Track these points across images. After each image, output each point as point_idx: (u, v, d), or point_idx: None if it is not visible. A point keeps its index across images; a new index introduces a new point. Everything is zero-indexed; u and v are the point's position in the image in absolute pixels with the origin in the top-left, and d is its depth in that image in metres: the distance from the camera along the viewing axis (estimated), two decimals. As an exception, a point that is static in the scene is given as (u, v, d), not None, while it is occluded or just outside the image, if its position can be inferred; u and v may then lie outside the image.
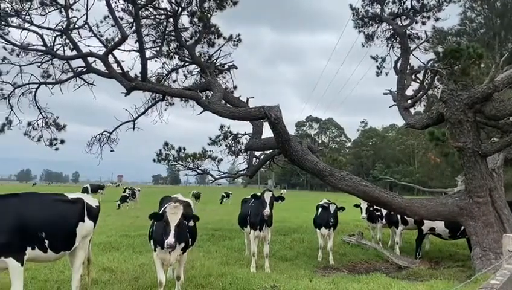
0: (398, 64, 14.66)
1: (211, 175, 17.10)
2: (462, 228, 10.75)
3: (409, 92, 14.57)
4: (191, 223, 7.00)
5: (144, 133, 14.86)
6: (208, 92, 14.02)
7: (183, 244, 6.94)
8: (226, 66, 15.81)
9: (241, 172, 17.89)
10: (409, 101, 14.07)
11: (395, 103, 14.39)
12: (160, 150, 16.04)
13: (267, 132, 12.84)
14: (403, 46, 14.58)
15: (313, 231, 13.47)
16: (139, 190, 36.45)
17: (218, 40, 15.29)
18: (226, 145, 16.88)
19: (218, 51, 15.21)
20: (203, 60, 15.27)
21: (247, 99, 13.67)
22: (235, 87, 16.00)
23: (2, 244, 5.43)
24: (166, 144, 16.11)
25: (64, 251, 6.46)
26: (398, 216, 13.07)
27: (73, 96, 14.06)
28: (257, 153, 16.44)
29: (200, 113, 11.65)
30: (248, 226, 10.72)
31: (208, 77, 13.17)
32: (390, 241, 14.76)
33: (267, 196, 9.83)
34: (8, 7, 10.65)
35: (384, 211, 13.77)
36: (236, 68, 15.74)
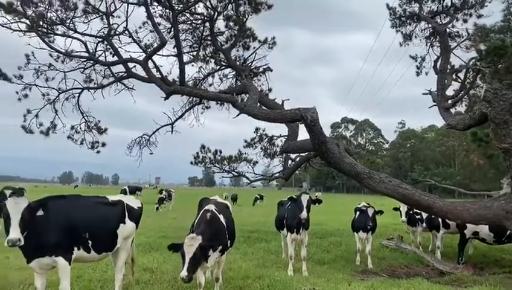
0: (438, 64, 14.25)
1: (247, 177, 17.22)
2: (508, 232, 10.30)
3: (450, 91, 14.17)
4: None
5: (180, 135, 15.10)
6: (243, 94, 14.11)
7: (220, 247, 6.98)
8: (261, 69, 15.87)
9: (277, 174, 17.91)
10: (450, 101, 13.65)
11: (435, 103, 14.00)
12: (197, 153, 16.31)
13: (303, 134, 12.80)
14: (443, 44, 14.16)
15: (351, 234, 13.28)
16: (169, 191, 36.94)
17: (253, 43, 15.37)
18: (261, 148, 16.96)
19: (254, 54, 15.27)
20: (238, 63, 15.39)
21: (283, 102, 13.68)
22: (270, 90, 16.05)
23: (53, 243, 5.71)
24: (203, 146, 16.36)
25: (106, 252, 6.68)
26: (440, 220, 12.68)
27: (114, 101, 14.48)
28: (292, 156, 16.41)
29: (236, 116, 11.72)
30: (285, 229, 10.71)
31: (244, 80, 13.26)
32: (431, 246, 14.34)
33: (304, 199, 9.78)
34: (54, 16, 11.13)
35: (424, 215, 13.41)
36: (272, 70, 15.78)
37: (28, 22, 10.81)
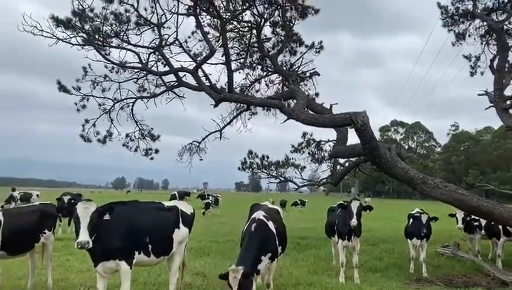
0: (495, 63, 13.62)
1: (295, 183, 17.17)
2: None
3: (508, 91, 13.46)
4: None
5: (226, 141, 15.37)
6: (290, 100, 14.12)
7: (270, 254, 6.96)
8: (307, 74, 15.81)
9: (325, 180, 17.72)
10: (508, 102, 12.98)
11: (492, 104, 13.36)
12: (244, 159, 16.48)
13: (352, 138, 12.62)
14: (500, 42, 13.51)
15: (403, 241, 12.87)
16: (216, 197, 37.28)
17: (300, 48, 15.39)
18: (308, 153, 16.86)
19: (300, 58, 15.25)
20: (285, 68, 15.43)
21: (331, 106, 13.53)
22: (317, 94, 15.95)
23: (117, 247, 5.98)
24: (251, 152, 16.50)
25: (163, 256, 6.89)
26: (500, 227, 12.02)
27: (165, 109, 14.96)
28: (341, 160, 16.18)
29: (284, 121, 11.75)
30: (336, 236, 10.56)
31: (291, 85, 13.27)
32: (491, 254, 13.61)
33: (354, 206, 9.55)
34: (108, 29, 11.69)
35: (483, 221, 12.75)
36: (319, 75, 15.68)
37: (85, 36, 11.40)
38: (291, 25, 14.04)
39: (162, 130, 14.96)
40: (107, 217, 5.88)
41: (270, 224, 7.15)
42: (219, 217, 29.41)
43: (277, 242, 7.25)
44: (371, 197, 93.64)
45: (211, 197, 34.64)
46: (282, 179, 16.90)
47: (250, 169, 16.81)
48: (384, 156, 9.89)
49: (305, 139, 16.39)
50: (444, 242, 14.86)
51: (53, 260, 8.81)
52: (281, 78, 15.78)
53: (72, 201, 15.26)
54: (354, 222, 9.34)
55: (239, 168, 16.78)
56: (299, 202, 42.14)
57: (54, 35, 10.94)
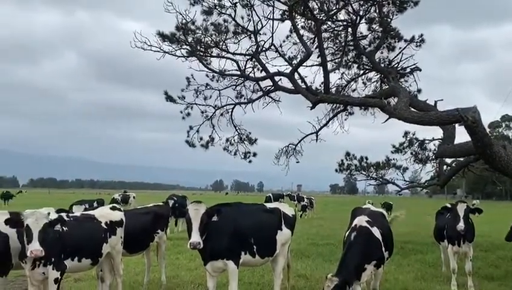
0: None
1: (396, 185, 16.43)
2: None
3: None
4: None
5: (320, 143, 15.25)
6: (390, 98, 13.56)
7: (375, 262, 6.70)
8: (408, 69, 15.05)
9: (430, 181, 16.71)
10: None
11: None
12: (341, 160, 16.20)
13: (460, 136, 11.73)
14: None
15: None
16: (310, 199, 36.95)
17: (398, 44, 14.74)
18: (411, 153, 16.02)
19: (400, 54, 14.58)
20: (383, 65, 14.88)
21: (435, 102, 12.70)
22: (419, 91, 15.08)
23: (225, 248, 6.25)
24: (348, 153, 16.17)
25: (268, 257, 7.02)
26: None
27: (261, 113, 15.35)
28: (448, 160, 15.16)
29: (385, 121, 11.33)
30: (445, 241, 9.86)
31: (391, 83, 12.73)
32: None
33: (461, 209, 8.78)
34: (209, 40, 12.34)
35: None
36: (420, 70, 14.81)
37: (188, 48, 12.16)
38: (389, 20, 13.50)
39: (257, 134, 15.36)
40: (215, 218, 6.15)
41: (374, 230, 6.81)
42: (317, 219, 29.22)
43: (383, 248, 6.94)
44: (479, 199, 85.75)
45: (305, 200, 34.60)
46: (383, 181, 16.29)
47: (348, 171, 16.46)
48: (499, 155, 9.04)
49: (407, 138, 15.59)
50: None
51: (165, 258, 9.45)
52: (379, 75, 15.25)
53: (177, 201, 16.34)
54: (461, 226, 8.61)
55: (336, 170, 16.54)
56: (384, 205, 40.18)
57: (161, 49, 11.84)
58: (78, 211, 9.56)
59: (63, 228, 5.84)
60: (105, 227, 6.69)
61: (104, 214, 6.96)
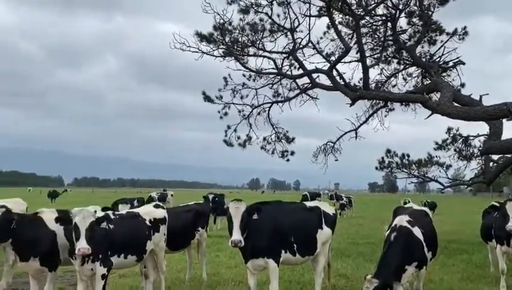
0: None
1: (440, 183, 15.94)
2: None
3: None
4: None
5: (359, 141, 14.97)
6: (432, 93, 13.15)
7: (416, 263, 6.51)
8: (450, 63, 14.55)
9: (476, 179, 16.11)
10: None
11: None
12: (382, 158, 15.89)
13: (507, 132, 11.25)
14: None
15: None
16: (348, 197, 36.33)
17: (440, 37, 14.29)
18: (455, 150, 15.48)
19: (442, 48, 14.11)
20: (424, 60, 14.45)
21: (480, 97, 12.23)
22: (462, 85, 14.58)
23: (265, 246, 6.27)
24: (389, 151, 15.84)
25: (308, 256, 6.98)
26: None
27: (299, 111, 15.27)
28: (495, 157, 14.54)
29: (428, 116, 10.99)
30: (493, 240, 9.48)
31: (434, 77, 12.33)
32: None
33: (509, 208, 8.38)
34: (246, 39, 12.40)
35: None
36: (464, 64, 14.30)
37: (225, 47, 12.27)
38: (430, 13, 13.09)
39: (295, 132, 15.29)
40: (255, 216, 6.17)
41: (416, 230, 6.60)
42: (356, 218, 28.75)
43: (425, 249, 6.73)
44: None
45: (344, 198, 34.13)
46: (425, 178, 15.84)
47: (389, 168, 16.12)
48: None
49: (450, 134, 15.08)
50: None
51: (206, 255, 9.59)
52: (419, 70, 14.85)
53: (216, 199, 16.50)
54: (510, 225, 8.23)
55: (376, 168, 16.25)
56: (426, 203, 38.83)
57: (199, 50, 12.02)
58: (123, 209, 9.88)
59: (109, 225, 6.02)
60: (149, 224, 6.86)
61: (148, 211, 7.14)
